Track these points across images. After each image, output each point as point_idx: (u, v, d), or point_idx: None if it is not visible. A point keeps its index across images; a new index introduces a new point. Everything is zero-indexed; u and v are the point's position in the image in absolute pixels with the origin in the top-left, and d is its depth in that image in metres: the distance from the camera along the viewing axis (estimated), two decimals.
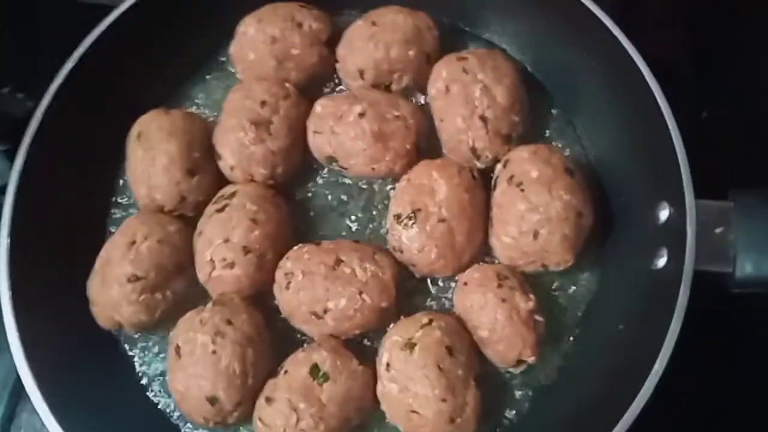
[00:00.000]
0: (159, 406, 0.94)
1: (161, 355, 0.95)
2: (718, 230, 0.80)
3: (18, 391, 1.01)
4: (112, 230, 1.01)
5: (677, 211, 0.82)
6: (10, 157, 1.16)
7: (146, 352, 0.96)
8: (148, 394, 0.95)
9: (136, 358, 0.96)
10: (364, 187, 1.00)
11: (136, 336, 0.96)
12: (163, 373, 0.94)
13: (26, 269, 0.90)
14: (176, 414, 0.93)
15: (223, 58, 1.09)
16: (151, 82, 1.06)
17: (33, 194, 0.94)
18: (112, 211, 1.03)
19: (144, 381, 0.95)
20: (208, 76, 1.09)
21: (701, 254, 0.79)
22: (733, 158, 0.98)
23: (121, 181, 1.04)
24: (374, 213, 0.99)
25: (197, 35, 1.07)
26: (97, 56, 0.99)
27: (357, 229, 0.98)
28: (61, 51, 1.23)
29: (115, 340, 0.96)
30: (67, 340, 0.91)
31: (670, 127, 0.84)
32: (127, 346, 0.97)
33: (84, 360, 0.92)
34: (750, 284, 0.79)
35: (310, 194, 1.01)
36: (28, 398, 0.98)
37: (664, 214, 0.85)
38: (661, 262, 0.83)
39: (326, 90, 1.05)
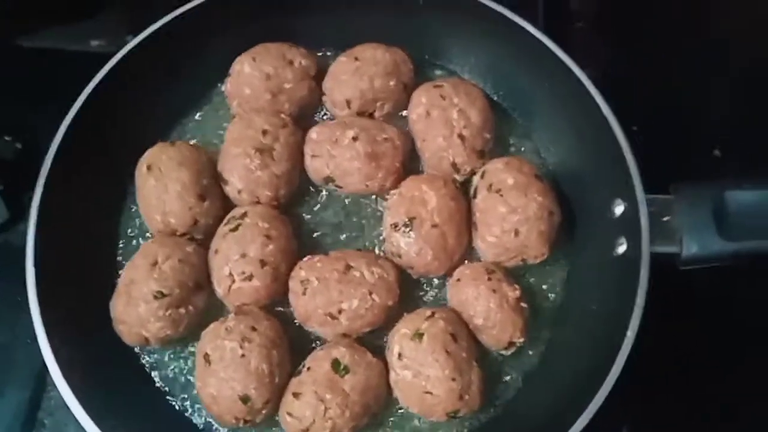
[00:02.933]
0: (178, 409, 1.02)
1: (181, 367, 1.03)
2: (665, 219, 0.96)
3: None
4: (120, 257, 1.09)
5: (630, 205, 0.97)
6: (3, 196, 1.24)
7: (165, 364, 1.04)
8: (169, 400, 1.02)
9: (155, 370, 1.03)
10: (355, 204, 1.12)
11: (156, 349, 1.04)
12: (180, 381, 1.02)
13: (50, 295, 0.96)
14: (196, 416, 1.01)
15: (214, 95, 1.20)
16: (148, 121, 1.15)
17: (50, 228, 1.00)
18: (120, 239, 1.11)
19: (166, 389, 1.03)
20: (199, 113, 1.19)
21: (654, 239, 0.94)
22: (669, 158, 1.16)
23: (127, 212, 1.12)
24: (365, 225, 1.10)
25: (188, 77, 1.18)
26: (99, 100, 1.07)
27: (353, 241, 1.09)
28: (44, 96, 1.32)
29: (136, 354, 1.04)
30: (93, 356, 0.98)
31: (618, 137, 0.99)
32: (146, 359, 1.04)
33: (109, 373, 0.99)
34: (694, 261, 0.94)
35: (307, 213, 1.11)
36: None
37: (619, 209, 0.99)
38: (622, 248, 0.98)
39: (315, 119, 1.17)
